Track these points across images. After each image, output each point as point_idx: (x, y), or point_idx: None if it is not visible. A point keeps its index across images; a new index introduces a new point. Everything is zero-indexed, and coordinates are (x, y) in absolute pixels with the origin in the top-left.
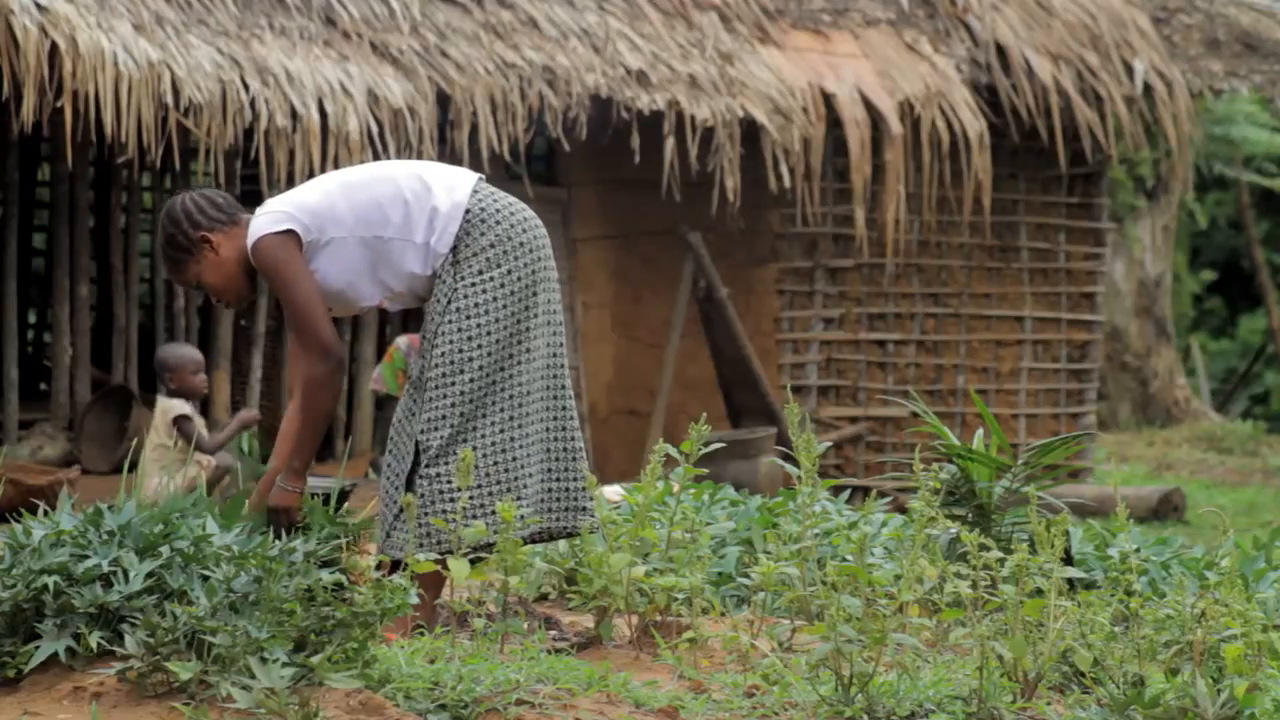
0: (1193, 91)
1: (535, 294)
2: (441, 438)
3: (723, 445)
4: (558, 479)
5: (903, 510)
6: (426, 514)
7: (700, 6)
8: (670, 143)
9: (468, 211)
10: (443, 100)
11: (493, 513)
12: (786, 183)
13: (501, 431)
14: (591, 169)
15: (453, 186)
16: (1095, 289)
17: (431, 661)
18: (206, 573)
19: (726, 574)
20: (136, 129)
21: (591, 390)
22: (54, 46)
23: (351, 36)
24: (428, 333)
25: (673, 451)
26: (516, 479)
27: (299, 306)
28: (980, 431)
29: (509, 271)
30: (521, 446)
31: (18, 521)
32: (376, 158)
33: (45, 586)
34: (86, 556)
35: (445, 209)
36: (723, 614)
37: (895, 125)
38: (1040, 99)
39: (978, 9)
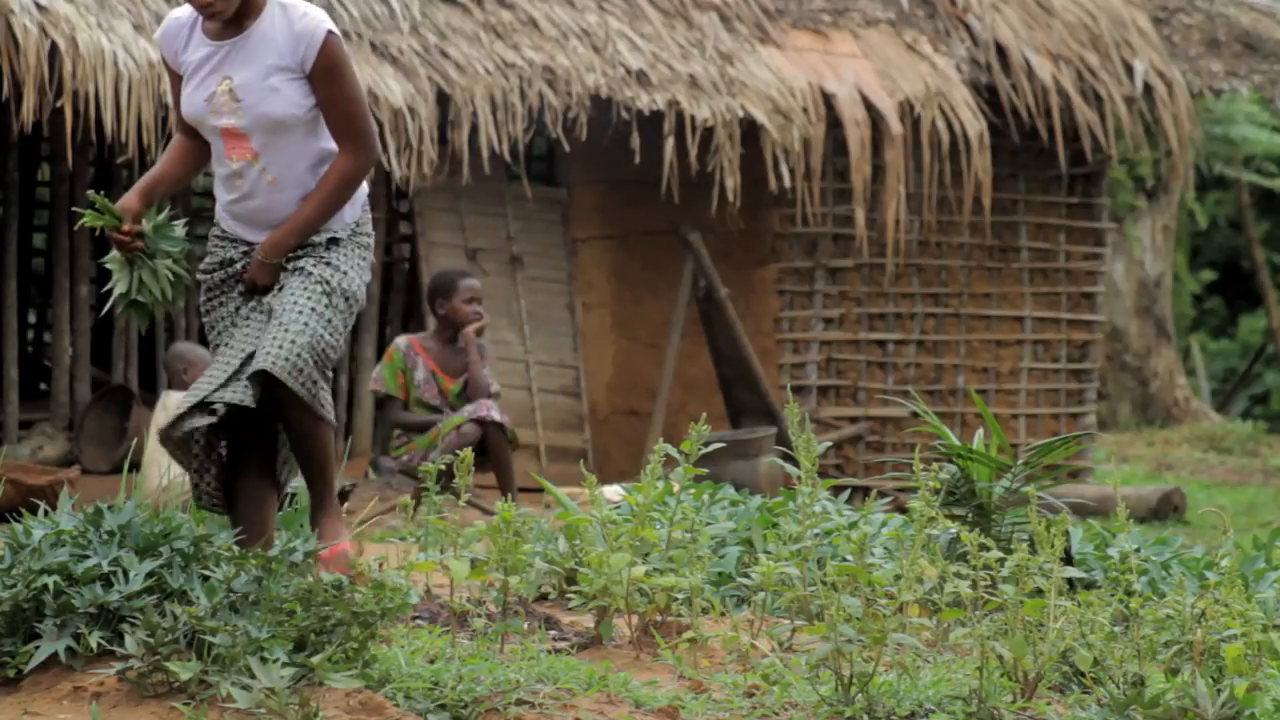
0: (1193, 91)
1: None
2: (312, 316)
3: (723, 445)
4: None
5: (903, 510)
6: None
7: (700, 6)
8: (670, 143)
9: (364, 204)
10: (443, 100)
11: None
12: (786, 183)
13: (335, 340)
14: (591, 169)
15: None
16: (1095, 289)
17: (431, 661)
18: (206, 573)
19: (726, 574)
20: (136, 129)
21: (591, 390)
22: (54, 46)
23: (351, 36)
24: (308, 261)
25: (673, 451)
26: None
27: (358, 100)
28: (980, 431)
29: (369, 269)
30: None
31: (18, 521)
32: None
33: (45, 586)
34: (86, 556)
35: (363, 190)
36: (723, 614)
37: (895, 125)
38: (1040, 99)
39: (978, 9)
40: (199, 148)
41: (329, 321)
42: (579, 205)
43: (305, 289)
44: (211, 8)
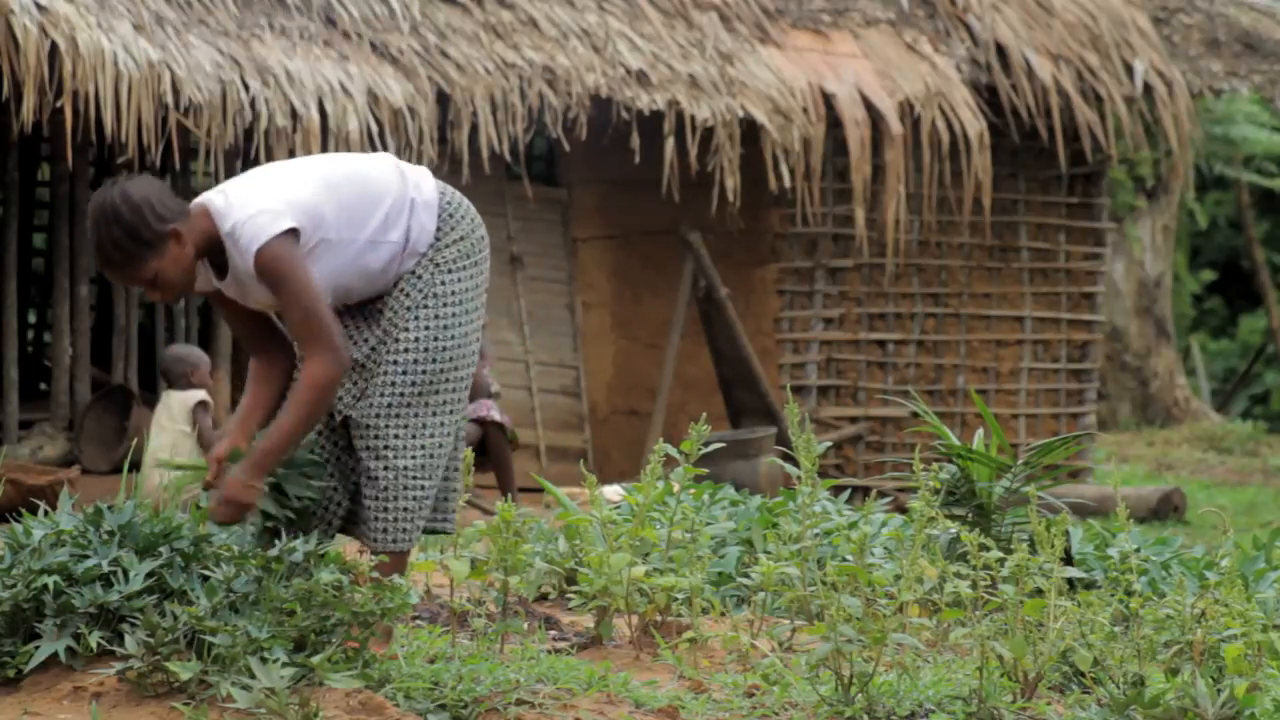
0: (1193, 91)
1: (484, 294)
2: (404, 426)
3: (723, 445)
4: (447, 479)
5: (903, 510)
6: (392, 506)
7: (700, 6)
8: (670, 143)
9: (439, 207)
10: (443, 100)
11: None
12: (786, 183)
13: (442, 428)
14: (591, 169)
15: (419, 183)
16: (1095, 289)
17: (431, 661)
18: (206, 573)
19: (726, 574)
20: (136, 129)
21: (591, 390)
22: (54, 46)
23: (351, 36)
24: (394, 323)
25: (673, 451)
26: (432, 478)
27: (312, 310)
28: (980, 431)
29: (477, 264)
30: (444, 447)
31: (18, 521)
32: None
33: (45, 586)
34: (87, 556)
35: (421, 204)
36: (723, 614)
37: (895, 125)
38: (1040, 99)
39: (978, 9)
40: (274, 363)
41: (428, 432)
42: (579, 205)
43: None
44: (159, 300)
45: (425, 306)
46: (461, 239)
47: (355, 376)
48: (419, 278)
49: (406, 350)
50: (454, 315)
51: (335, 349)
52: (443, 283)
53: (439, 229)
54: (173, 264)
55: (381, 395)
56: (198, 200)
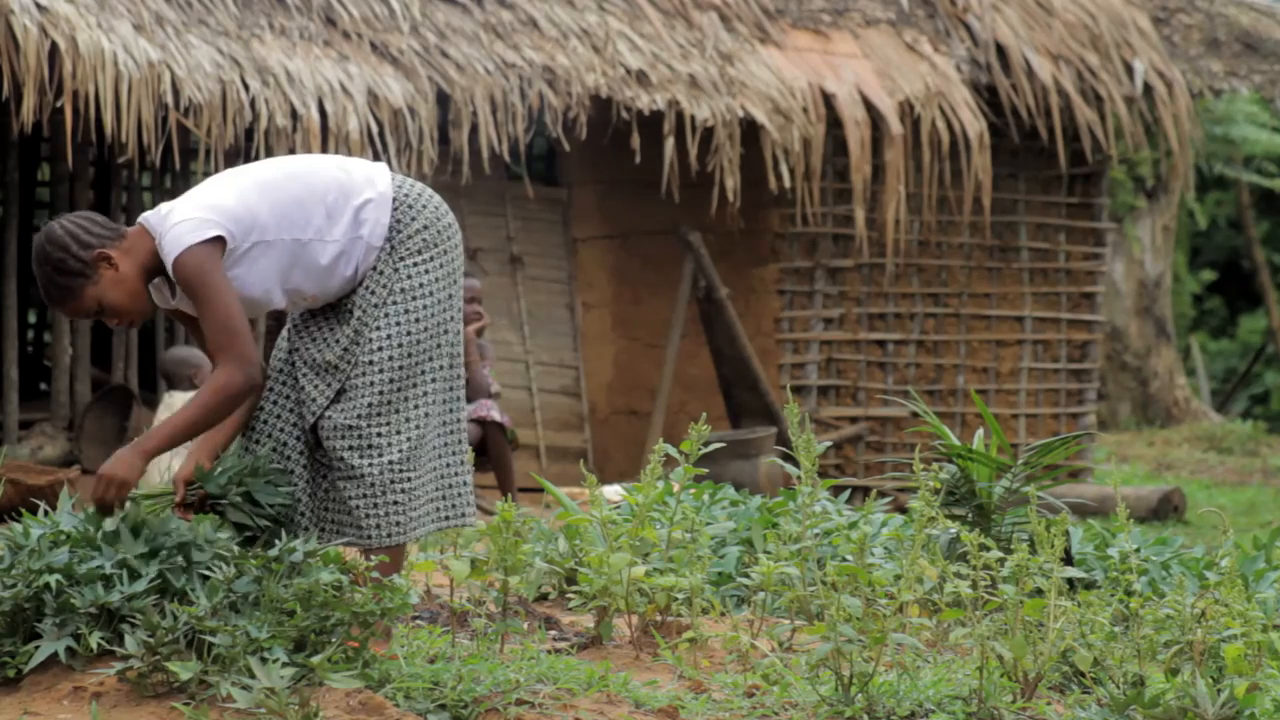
0: (1193, 91)
1: (456, 281)
2: (386, 424)
3: (723, 445)
4: (443, 477)
5: (903, 510)
6: (382, 501)
7: (700, 6)
8: (670, 143)
9: (394, 199)
10: (443, 100)
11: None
12: (786, 183)
13: (426, 418)
14: (591, 169)
15: (371, 178)
16: (1095, 289)
17: (431, 661)
18: (207, 573)
19: (726, 574)
20: (136, 129)
21: (591, 390)
22: (54, 46)
23: (351, 36)
24: (364, 321)
25: (673, 451)
26: (418, 469)
27: (225, 321)
28: (980, 431)
29: (444, 252)
30: (428, 436)
31: (18, 521)
32: (377, 158)
33: (47, 585)
34: (91, 556)
35: (375, 200)
36: (723, 614)
37: (895, 125)
38: (1040, 99)
39: (978, 9)
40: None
41: (402, 434)
42: (579, 205)
43: (358, 430)
44: (123, 326)
45: (393, 302)
46: (424, 228)
47: (328, 378)
48: (381, 273)
49: (380, 349)
50: (424, 308)
51: (251, 363)
52: (408, 276)
53: (397, 221)
54: (113, 287)
55: (362, 397)
56: (139, 219)
